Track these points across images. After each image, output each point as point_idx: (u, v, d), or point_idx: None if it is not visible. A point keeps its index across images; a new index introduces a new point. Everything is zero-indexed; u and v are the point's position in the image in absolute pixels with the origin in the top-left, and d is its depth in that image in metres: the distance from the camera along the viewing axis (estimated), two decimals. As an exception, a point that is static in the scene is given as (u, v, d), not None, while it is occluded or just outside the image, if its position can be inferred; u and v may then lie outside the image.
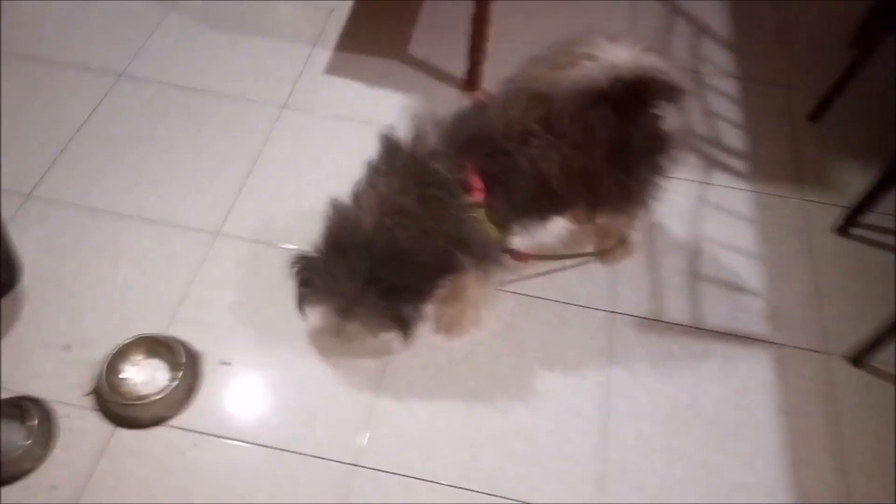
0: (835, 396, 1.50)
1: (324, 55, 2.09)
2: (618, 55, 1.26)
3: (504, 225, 1.36)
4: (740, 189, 1.87)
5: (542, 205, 1.38)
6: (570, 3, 2.33)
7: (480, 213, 1.29)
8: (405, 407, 1.43)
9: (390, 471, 1.34)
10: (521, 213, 1.38)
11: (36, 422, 1.31)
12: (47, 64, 1.97)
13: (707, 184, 1.87)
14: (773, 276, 1.69)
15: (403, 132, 1.31)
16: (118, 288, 1.54)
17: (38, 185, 1.70)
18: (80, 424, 1.34)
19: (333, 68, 2.06)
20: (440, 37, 2.16)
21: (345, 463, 1.34)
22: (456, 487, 1.33)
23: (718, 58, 2.21)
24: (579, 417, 1.44)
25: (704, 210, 1.81)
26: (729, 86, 2.13)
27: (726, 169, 1.91)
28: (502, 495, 1.33)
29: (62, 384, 1.39)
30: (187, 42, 2.08)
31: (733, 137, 1.99)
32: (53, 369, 1.41)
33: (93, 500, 1.26)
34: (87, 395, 1.37)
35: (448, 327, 1.53)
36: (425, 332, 1.51)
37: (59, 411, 1.36)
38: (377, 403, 1.42)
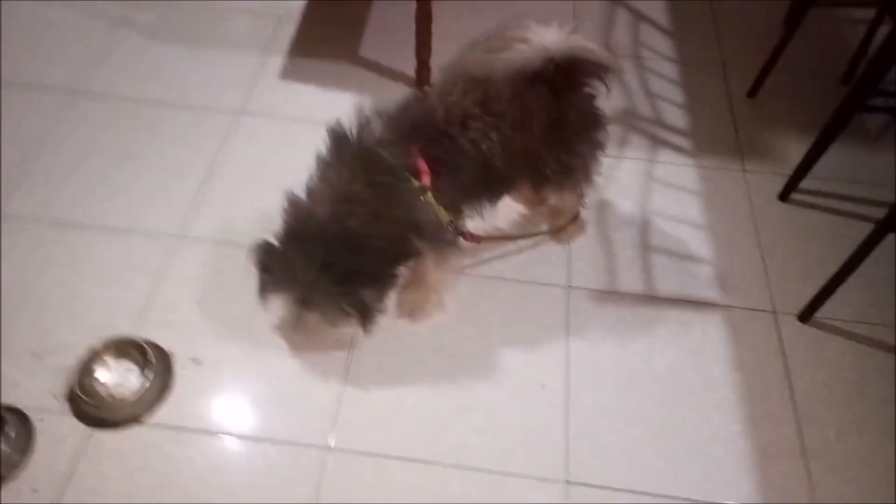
0: (785, 351, 1.58)
1: (276, 61, 2.14)
2: (548, 37, 1.33)
3: (454, 207, 1.41)
4: (684, 165, 1.95)
5: (488, 184, 1.43)
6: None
7: (429, 197, 1.34)
8: (373, 390, 1.47)
9: (362, 451, 1.39)
10: (470, 194, 1.43)
11: (13, 430, 1.33)
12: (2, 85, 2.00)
13: (653, 161, 1.95)
14: (720, 243, 1.77)
15: (350, 125, 1.36)
16: (85, 296, 1.57)
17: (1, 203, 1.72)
18: (56, 429, 1.37)
19: (287, 73, 2.11)
20: (389, 38, 2.22)
21: (318, 447, 1.39)
22: (424, 462, 1.38)
23: (658, 43, 2.30)
24: (541, 389, 1.50)
25: (652, 186, 1.89)
26: (669, 69, 2.22)
27: (670, 146, 1.99)
28: (471, 466, 1.38)
29: (35, 391, 1.41)
30: (140, 56, 2.11)
31: (676, 117, 2.07)
32: (25, 378, 1.43)
33: (74, 500, 1.29)
34: (62, 399, 1.40)
35: (411, 312, 1.59)
36: (390, 319, 1.56)
37: (35, 417, 1.38)
38: (345, 389, 1.47)
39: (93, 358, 1.44)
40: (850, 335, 1.61)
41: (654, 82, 2.17)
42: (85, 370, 1.42)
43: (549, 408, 1.47)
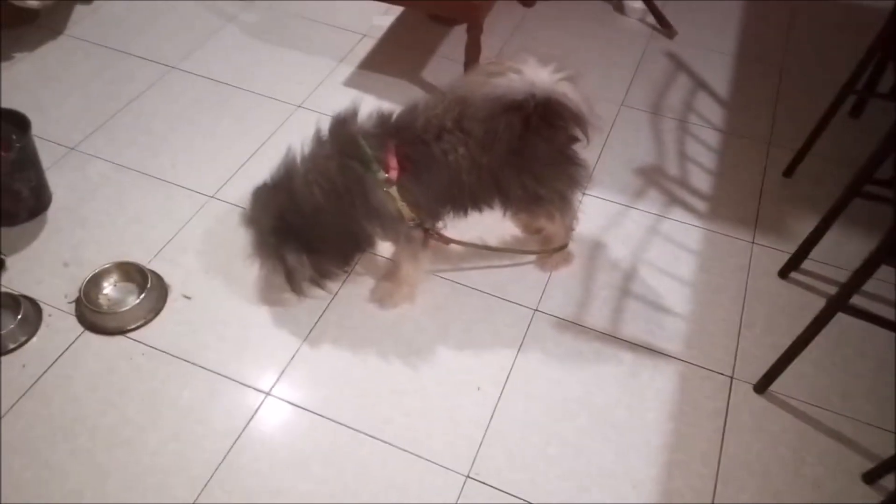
0: (728, 414, 1.58)
1: (346, 70, 2.39)
2: (539, 75, 1.45)
3: (419, 207, 1.54)
4: (694, 226, 1.98)
5: (454, 195, 1.55)
6: (580, 44, 2.55)
7: (393, 190, 1.49)
8: (325, 356, 1.62)
9: (296, 403, 1.54)
10: (437, 199, 1.56)
11: (25, 315, 1.60)
12: (116, 51, 2.37)
13: (662, 216, 2.00)
14: (701, 303, 1.79)
15: (352, 114, 1.54)
16: (118, 225, 1.84)
17: (81, 142, 2.05)
18: (58, 323, 1.63)
19: (351, 81, 2.35)
20: (451, 66, 2.42)
21: (258, 390, 1.55)
22: (347, 427, 1.50)
23: (709, 111, 2.35)
24: (477, 392, 1.59)
25: (653, 238, 1.94)
26: (711, 136, 2.26)
27: (685, 207, 2.03)
28: (388, 441, 1.49)
29: (54, 291, 1.68)
30: (233, 48, 2.43)
31: (702, 182, 2.11)
32: (50, 278, 1.71)
33: (50, 382, 1.53)
34: (71, 302, 1.66)
35: (381, 299, 1.73)
36: (362, 300, 1.73)
37: (46, 311, 1.64)
38: (302, 348, 1.63)
39: (103, 274, 1.69)
40: (801, 415, 1.58)
41: (692, 146, 2.22)
42: (94, 283, 1.67)
43: (478, 408, 1.56)
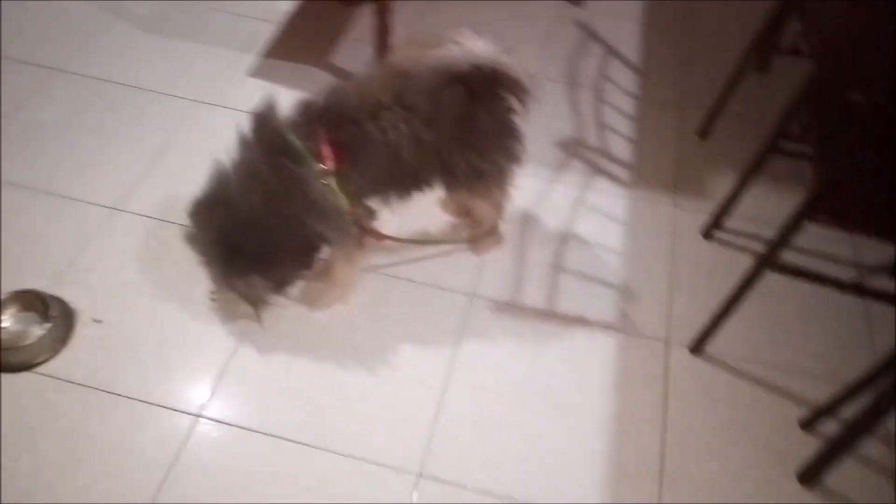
0: (668, 379, 1.59)
1: (250, 60, 2.26)
2: (479, 46, 1.40)
3: (360, 196, 1.46)
4: (617, 195, 1.98)
5: (396, 177, 1.48)
6: (491, 17, 2.50)
7: (332, 182, 1.40)
8: (257, 368, 1.54)
9: (230, 422, 1.45)
10: (377, 184, 1.48)
11: (-86, 361, 1.44)
12: (-7, 58, 2.17)
13: (587, 188, 1.99)
14: (632, 271, 1.80)
15: (271, 107, 1.44)
16: (13, 252, 1.68)
17: (-44, 159, 1.87)
18: (-47, 365, 1.48)
19: (256, 71, 2.22)
20: (362, 48, 2.32)
21: (188, 413, 1.46)
22: (288, 440, 1.43)
23: (623, 79, 2.35)
24: (420, 387, 1.54)
25: (580, 210, 1.93)
26: (627, 104, 2.26)
27: (608, 176, 2.03)
28: (333, 450, 1.43)
29: (-55, 330, 1.52)
30: (123, 44, 2.26)
31: (622, 149, 2.11)
32: (-61, 317, 1.55)
33: (-48, 431, 1.39)
34: (-35, 340, 1.51)
35: (313, 300, 1.65)
36: (291, 302, 1.64)
37: (-62, 353, 1.49)
38: (231, 363, 1.54)
39: (0, 306, 1.54)
40: (737, 372, 1.61)
41: (609, 115, 2.22)
42: (-9, 316, 1.52)
43: (422, 403, 1.51)
